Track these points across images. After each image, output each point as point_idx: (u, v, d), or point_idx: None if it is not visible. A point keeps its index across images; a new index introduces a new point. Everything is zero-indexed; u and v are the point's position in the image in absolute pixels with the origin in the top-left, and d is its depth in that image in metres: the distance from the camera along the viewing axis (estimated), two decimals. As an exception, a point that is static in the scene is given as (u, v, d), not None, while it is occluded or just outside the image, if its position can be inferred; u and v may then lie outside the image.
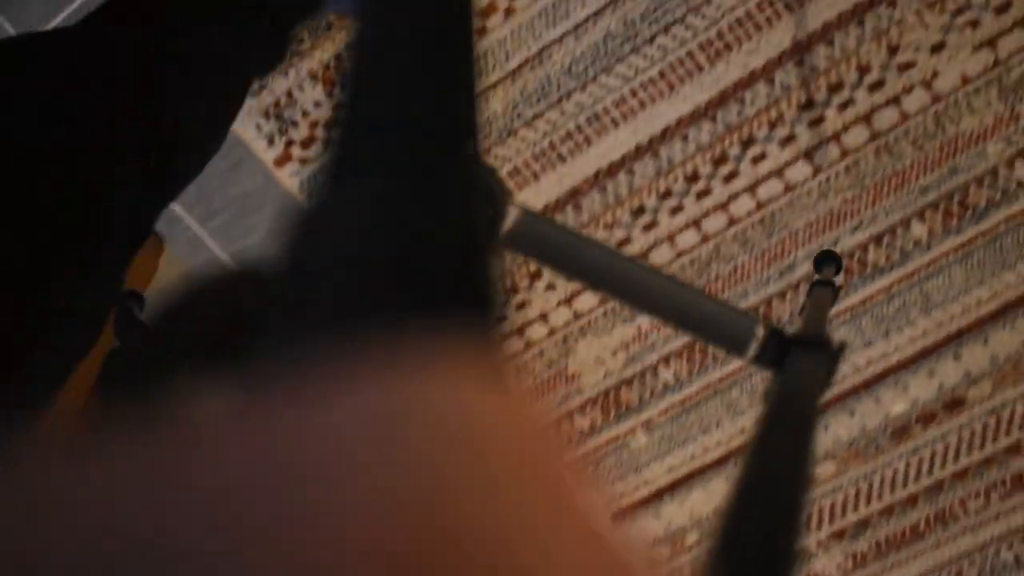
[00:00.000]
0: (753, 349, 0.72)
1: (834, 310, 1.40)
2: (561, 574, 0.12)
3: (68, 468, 0.12)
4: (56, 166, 0.63)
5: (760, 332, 0.72)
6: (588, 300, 1.44)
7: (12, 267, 0.57)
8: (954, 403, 1.43)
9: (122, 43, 0.77)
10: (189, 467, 0.12)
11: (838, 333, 1.42)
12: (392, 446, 0.12)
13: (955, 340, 1.40)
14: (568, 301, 1.45)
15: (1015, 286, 1.35)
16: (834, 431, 1.48)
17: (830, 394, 1.46)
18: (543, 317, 1.46)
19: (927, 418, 1.44)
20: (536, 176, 1.36)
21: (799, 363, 0.68)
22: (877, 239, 1.35)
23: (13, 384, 0.54)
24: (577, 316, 1.46)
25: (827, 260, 0.99)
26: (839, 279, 0.90)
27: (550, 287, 1.44)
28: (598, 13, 1.26)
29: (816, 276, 0.96)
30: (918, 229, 1.34)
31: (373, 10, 0.29)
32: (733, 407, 1.48)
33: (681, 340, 1.46)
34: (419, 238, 0.21)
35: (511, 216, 0.69)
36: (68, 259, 0.61)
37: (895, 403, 1.45)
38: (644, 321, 1.45)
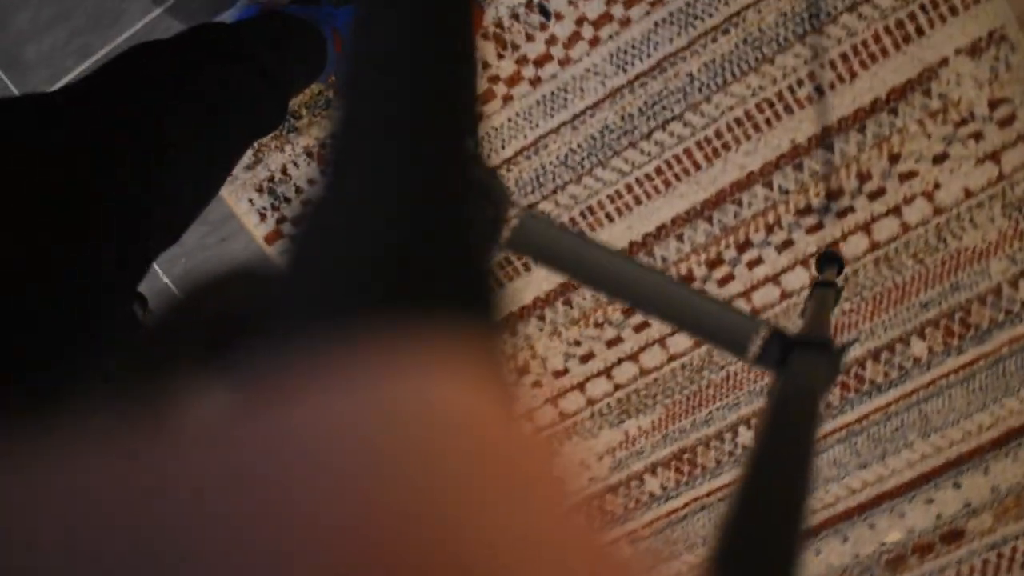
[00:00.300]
0: (755, 349, 0.71)
1: (830, 427, 1.35)
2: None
3: (62, 466, 0.12)
4: (56, 166, 0.63)
5: (762, 332, 0.71)
6: (575, 400, 1.40)
7: (12, 267, 0.57)
8: (953, 535, 1.36)
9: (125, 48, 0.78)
10: (182, 468, 0.12)
11: (833, 451, 1.36)
12: (382, 448, 0.12)
13: (955, 467, 1.33)
14: (554, 400, 1.40)
15: (1019, 412, 1.29)
16: (826, 557, 1.41)
17: (823, 516, 1.39)
18: (528, 416, 1.42)
19: (924, 549, 1.37)
20: (528, 267, 1.33)
21: (802, 363, 0.68)
22: (875, 355, 1.30)
23: (13, 384, 0.54)
24: (563, 416, 1.41)
25: (829, 260, 0.97)
26: (840, 280, 0.88)
27: (536, 383, 1.40)
28: (596, 105, 1.24)
29: (819, 277, 0.94)
30: (918, 347, 1.29)
31: (373, 9, 0.30)
32: (721, 524, 1.41)
33: (669, 449, 1.41)
34: (421, 238, 0.21)
35: (513, 216, 0.69)
36: (68, 259, 0.61)
37: (890, 531, 1.37)
38: (631, 426, 1.40)
